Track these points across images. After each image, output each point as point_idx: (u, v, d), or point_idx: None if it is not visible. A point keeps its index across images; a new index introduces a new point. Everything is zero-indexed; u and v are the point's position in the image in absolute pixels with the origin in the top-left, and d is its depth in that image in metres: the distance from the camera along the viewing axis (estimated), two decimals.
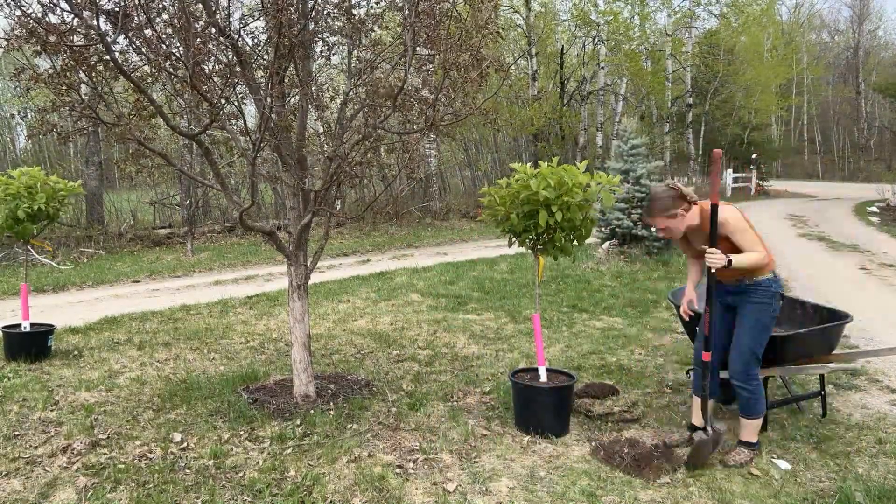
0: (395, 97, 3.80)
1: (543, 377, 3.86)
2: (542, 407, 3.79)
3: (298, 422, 3.86)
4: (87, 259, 11.48)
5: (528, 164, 3.76)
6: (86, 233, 12.76)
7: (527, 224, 3.65)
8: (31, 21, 3.04)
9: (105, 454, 3.49)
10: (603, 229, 10.05)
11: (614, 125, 22.30)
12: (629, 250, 9.77)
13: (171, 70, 3.50)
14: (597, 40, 22.11)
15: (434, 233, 15.16)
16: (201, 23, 3.52)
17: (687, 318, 3.82)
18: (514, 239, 3.84)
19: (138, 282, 9.36)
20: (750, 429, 3.47)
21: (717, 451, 3.39)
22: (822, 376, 4.03)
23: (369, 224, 15.56)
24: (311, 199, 4.11)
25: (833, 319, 3.93)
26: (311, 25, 3.92)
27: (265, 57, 3.91)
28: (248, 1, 4.63)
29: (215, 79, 3.63)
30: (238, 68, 3.57)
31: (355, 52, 4.13)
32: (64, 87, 3.45)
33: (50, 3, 3.09)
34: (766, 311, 3.42)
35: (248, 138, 3.91)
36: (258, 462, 3.40)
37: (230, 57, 3.67)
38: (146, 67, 3.61)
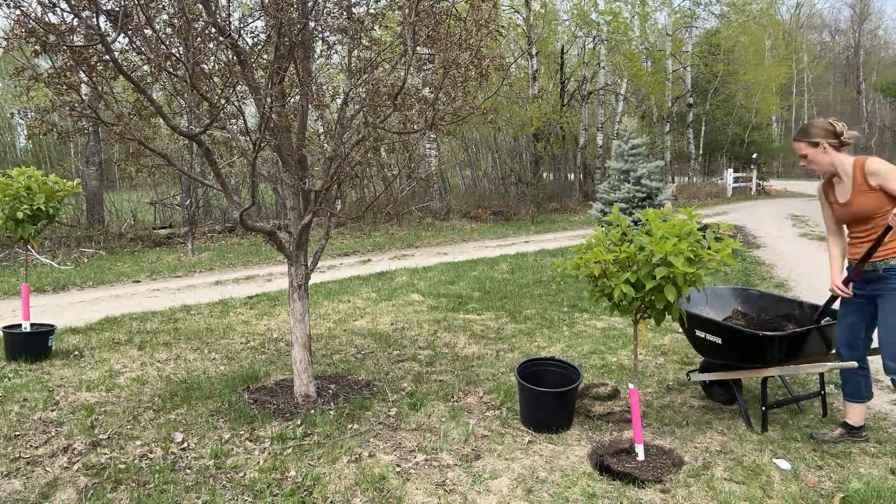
0: (395, 97, 3.80)
1: (641, 456, 3.36)
2: (546, 405, 3.79)
3: (299, 422, 3.86)
4: (87, 259, 11.48)
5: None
6: (86, 233, 12.76)
7: (639, 292, 3.16)
8: (31, 21, 3.04)
9: (106, 454, 3.49)
10: None
11: (614, 125, 22.30)
12: None
13: (171, 70, 3.50)
14: (597, 40, 22.11)
15: (434, 233, 15.16)
16: (201, 22, 3.51)
17: (838, 294, 3.66)
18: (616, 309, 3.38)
19: (139, 282, 9.36)
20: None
21: None
22: (821, 376, 4.03)
23: (370, 224, 15.56)
24: (311, 199, 4.11)
25: (832, 319, 3.93)
26: (312, 25, 3.92)
27: (265, 57, 3.90)
28: (248, 1, 4.63)
29: (215, 79, 3.63)
30: (238, 68, 3.57)
31: (355, 51, 4.13)
32: (64, 87, 3.46)
33: (50, 2, 3.09)
34: None
35: (248, 138, 3.91)
36: (259, 462, 3.40)
37: (230, 57, 3.67)
38: (146, 67, 3.61)
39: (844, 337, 3.68)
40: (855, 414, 3.67)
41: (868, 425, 3.88)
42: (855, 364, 3.59)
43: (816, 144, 3.52)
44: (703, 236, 3.17)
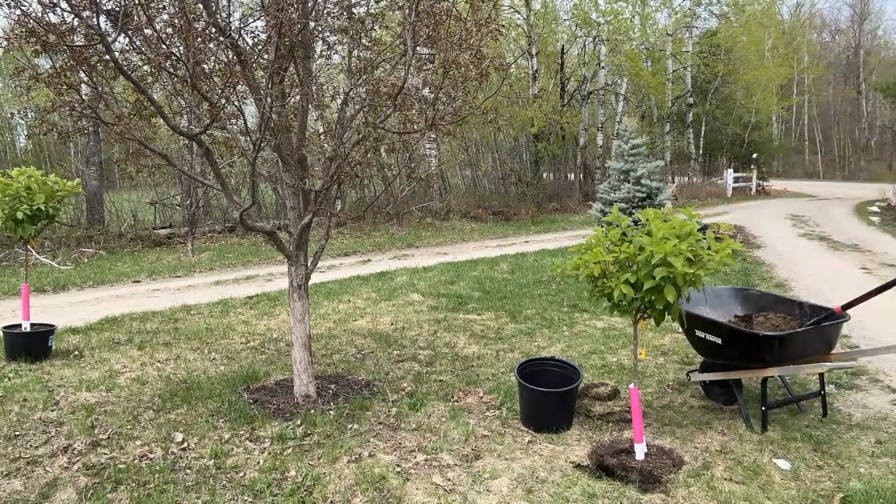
0: (396, 97, 3.80)
1: (641, 455, 3.32)
2: (546, 403, 3.79)
3: (299, 422, 3.86)
4: (87, 259, 11.47)
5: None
6: (86, 233, 12.75)
7: (638, 292, 3.14)
8: (31, 21, 3.04)
9: (106, 454, 3.49)
10: None
11: (615, 125, 22.30)
12: None
13: (171, 70, 3.50)
14: (597, 40, 22.10)
15: (434, 233, 15.16)
16: (201, 22, 3.51)
17: None
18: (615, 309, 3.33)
19: (139, 282, 9.36)
20: None
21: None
22: (821, 376, 4.02)
23: (370, 224, 15.55)
24: (311, 198, 4.11)
25: (831, 319, 3.93)
26: (312, 25, 3.92)
27: (265, 57, 3.90)
28: (249, 1, 4.63)
29: (215, 78, 3.62)
30: (238, 68, 3.57)
31: (355, 51, 4.13)
32: (64, 87, 3.45)
33: (50, 2, 3.09)
34: None
35: (248, 138, 3.91)
36: (259, 462, 3.40)
37: (230, 57, 3.67)
38: (146, 67, 3.61)
39: None
40: None
41: (868, 424, 3.89)
42: (855, 363, 3.58)
43: None
44: (704, 237, 3.17)
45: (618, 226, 3.37)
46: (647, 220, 3.25)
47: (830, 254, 10.77)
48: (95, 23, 3.01)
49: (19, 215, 5.01)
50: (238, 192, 14.05)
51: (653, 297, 3.13)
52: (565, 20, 23.28)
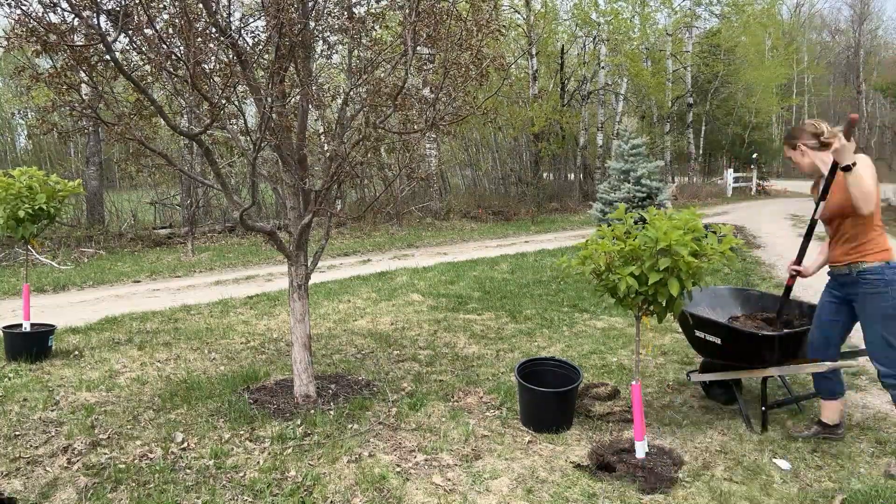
0: (396, 97, 3.80)
1: (641, 453, 3.36)
2: (546, 404, 3.79)
3: (299, 422, 3.86)
4: (87, 259, 11.47)
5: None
6: (86, 233, 12.75)
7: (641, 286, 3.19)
8: (32, 20, 3.04)
9: (106, 454, 3.49)
10: None
11: (615, 125, 22.30)
12: None
13: (171, 70, 3.50)
14: (597, 40, 22.11)
15: (434, 233, 15.16)
16: (202, 22, 3.51)
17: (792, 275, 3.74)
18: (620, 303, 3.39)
19: (139, 282, 9.36)
20: None
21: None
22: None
23: (370, 224, 15.56)
24: (311, 198, 4.11)
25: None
26: (312, 25, 3.92)
27: (266, 57, 3.90)
28: (249, 0, 4.63)
29: (215, 78, 3.62)
30: (238, 68, 3.57)
31: (356, 51, 4.13)
32: (64, 87, 3.45)
33: (50, 2, 3.09)
34: (885, 299, 3.24)
35: (248, 138, 3.91)
36: (259, 462, 3.40)
37: (230, 56, 3.67)
38: (147, 67, 3.61)
39: (816, 336, 3.63)
40: (830, 412, 3.66)
41: (868, 424, 3.89)
42: (856, 363, 3.59)
43: (795, 147, 3.57)
44: (706, 235, 3.19)
45: (622, 221, 3.40)
46: (652, 218, 3.28)
47: None
48: (96, 23, 3.01)
49: (21, 214, 5.01)
50: (238, 192, 14.05)
51: (657, 290, 3.15)
52: (565, 20, 23.28)
